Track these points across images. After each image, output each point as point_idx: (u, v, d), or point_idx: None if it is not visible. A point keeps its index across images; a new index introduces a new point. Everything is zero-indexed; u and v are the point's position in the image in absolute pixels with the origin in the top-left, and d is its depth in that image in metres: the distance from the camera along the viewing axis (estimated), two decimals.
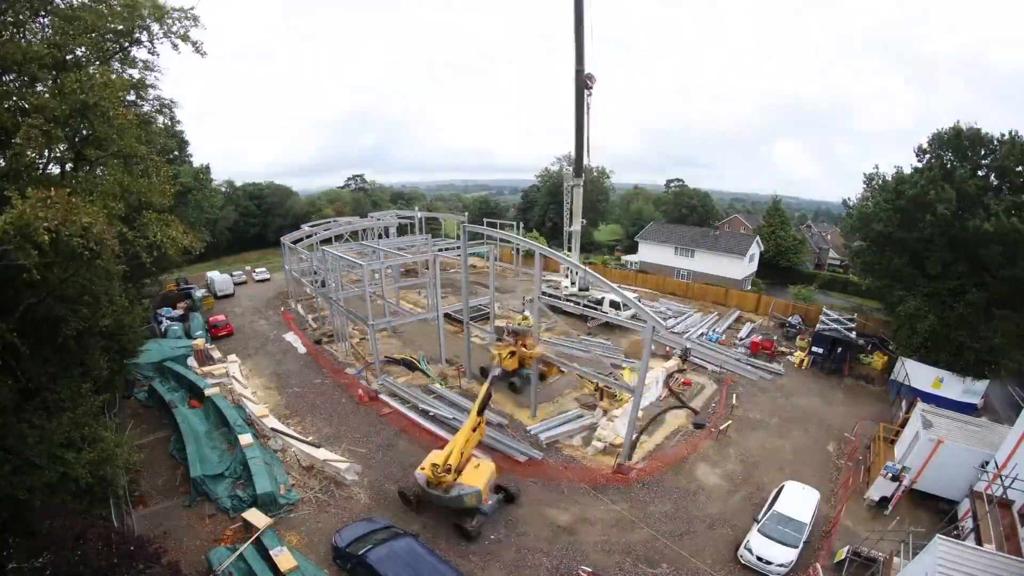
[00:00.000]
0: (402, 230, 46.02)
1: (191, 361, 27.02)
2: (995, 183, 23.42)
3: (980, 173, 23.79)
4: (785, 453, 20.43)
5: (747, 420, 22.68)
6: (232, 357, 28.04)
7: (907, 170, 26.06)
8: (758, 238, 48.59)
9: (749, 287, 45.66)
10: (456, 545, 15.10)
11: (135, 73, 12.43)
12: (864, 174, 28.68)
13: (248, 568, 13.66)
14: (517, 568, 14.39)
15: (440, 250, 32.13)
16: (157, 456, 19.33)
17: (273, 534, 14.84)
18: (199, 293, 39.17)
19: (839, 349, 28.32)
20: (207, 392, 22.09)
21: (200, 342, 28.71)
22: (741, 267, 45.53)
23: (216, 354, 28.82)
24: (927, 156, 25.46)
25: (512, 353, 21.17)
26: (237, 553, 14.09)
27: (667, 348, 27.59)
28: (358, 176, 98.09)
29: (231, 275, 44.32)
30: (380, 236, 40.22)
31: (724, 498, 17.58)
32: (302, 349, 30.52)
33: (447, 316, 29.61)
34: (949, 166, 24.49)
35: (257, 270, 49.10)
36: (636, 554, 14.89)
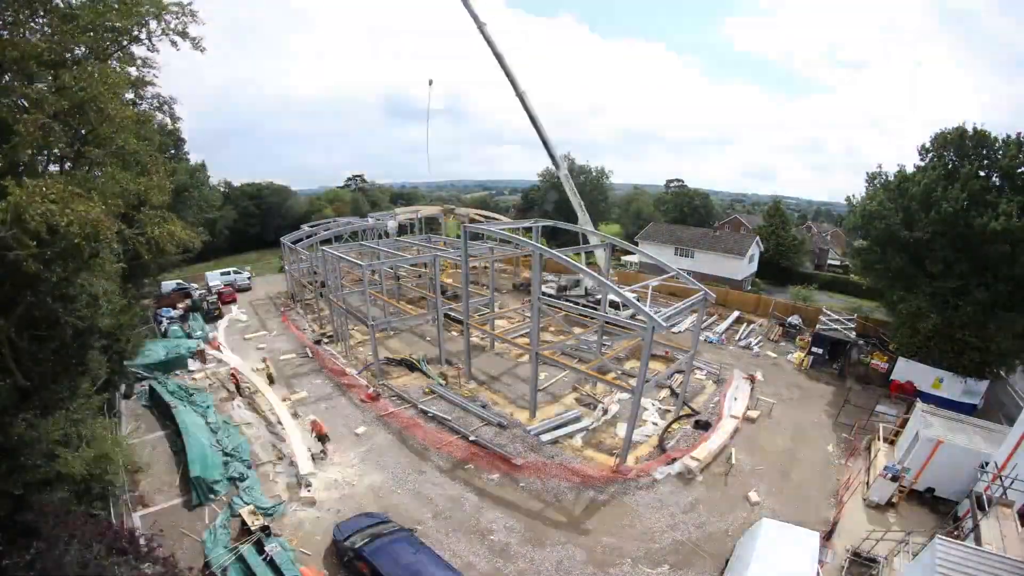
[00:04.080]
0: (402, 230, 46.00)
1: (193, 363, 27.08)
2: (997, 183, 23.39)
3: (982, 173, 23.76)
4: (784, 453, 20.40)
5: (746, 420, 22.62)
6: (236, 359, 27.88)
7: (909, 169, 26.05)
8: (758, 238, 48.58)
9: (749, 287, 45.66)
10: (451, 541, 15.10)
11: (133, 71, 12.41)
12: (867, 172, 28.72)
13: (248, 568, 13.67)
14: (516, 566, 14.36)
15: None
16: (157, 456, 19.30)
17: (270, 534, 14.84)
18: (198, 294, 39.21)
19: (841, 350, 28.37)
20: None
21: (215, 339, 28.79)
22: (741, 267, 45.53)
23: (218, 354, 28.82)
24: (930, 155, 25.44)
25: None
26: (236, 553, 14.11)
27: (666, 351, 27.55)
28: (358, 176, 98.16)
29: (238, 274, 46.39)
30: (380, 236, 40.23)
31: (723, 498, 17.54)
32: (302, 350, 30.49)
33: (447, 316, 29.60)
34: (951, 166, 24.45)
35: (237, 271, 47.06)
36: (636, 554, 14.86)
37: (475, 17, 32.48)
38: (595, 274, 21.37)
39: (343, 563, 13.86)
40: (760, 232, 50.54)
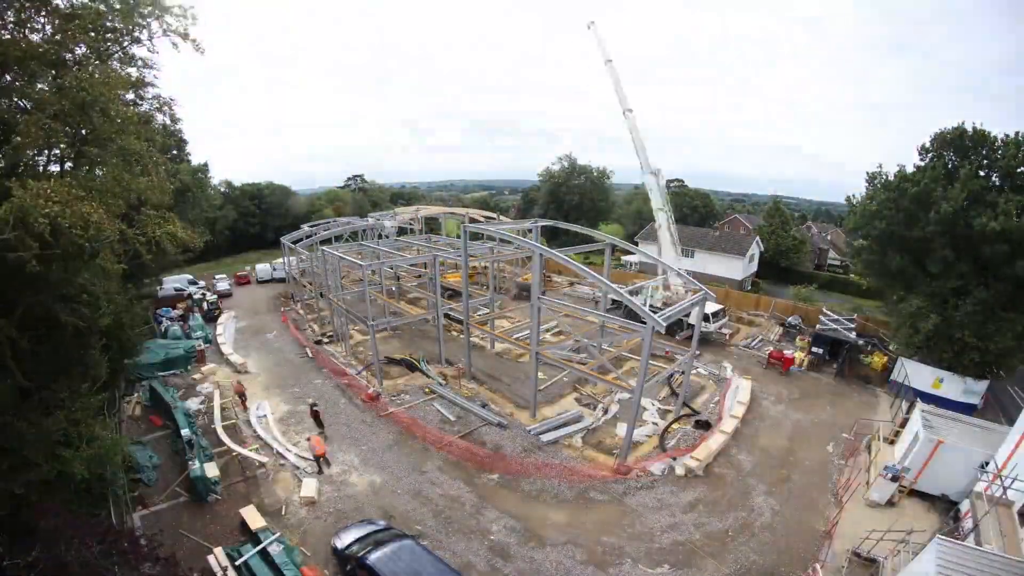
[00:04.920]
0: (402, 230, 45.96)
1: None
2: (997, 183, 23.39)
3: (982, 173, 23.77)
4: (784, 453, 20.40)
5: (746, 420, 22.63)
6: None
7: (909, 168, 26.04)
8: (758, 238, 48.59)
9: (749, 287, 45.69)
10: (451, 541, 15.10)
11: (133, 72, 12.41)
12: (867, 172, 28.69)
13: (248, 568, 13.68)
14: (515, 567, 14.36)
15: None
16: (157, 456, 19.29)
17: (271, 533, 14.85)
18: (199, 295, 39.20)
19: (841, 350, 28.39)
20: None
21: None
22: (741, 267, 45.54)
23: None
24: (929, 155, 25.44)
25: None
26: (237, 553, 14.12)
27: (666, 351, 27.58)
28: (358, 176, 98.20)
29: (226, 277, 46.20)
30: (380, 236, 40.20)
31: (723, 498, 17.54)
32: (302, 350, 30.51)
33: (447, 316, 29.60)
34: (951, 165, 24.46)
35: (218, 277, 46.08)
36: (636, 554, 14.87)
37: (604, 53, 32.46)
38: (598, 276, 21.36)
39: (345, 572, 13.60)
40: (760, 232, 50.57)
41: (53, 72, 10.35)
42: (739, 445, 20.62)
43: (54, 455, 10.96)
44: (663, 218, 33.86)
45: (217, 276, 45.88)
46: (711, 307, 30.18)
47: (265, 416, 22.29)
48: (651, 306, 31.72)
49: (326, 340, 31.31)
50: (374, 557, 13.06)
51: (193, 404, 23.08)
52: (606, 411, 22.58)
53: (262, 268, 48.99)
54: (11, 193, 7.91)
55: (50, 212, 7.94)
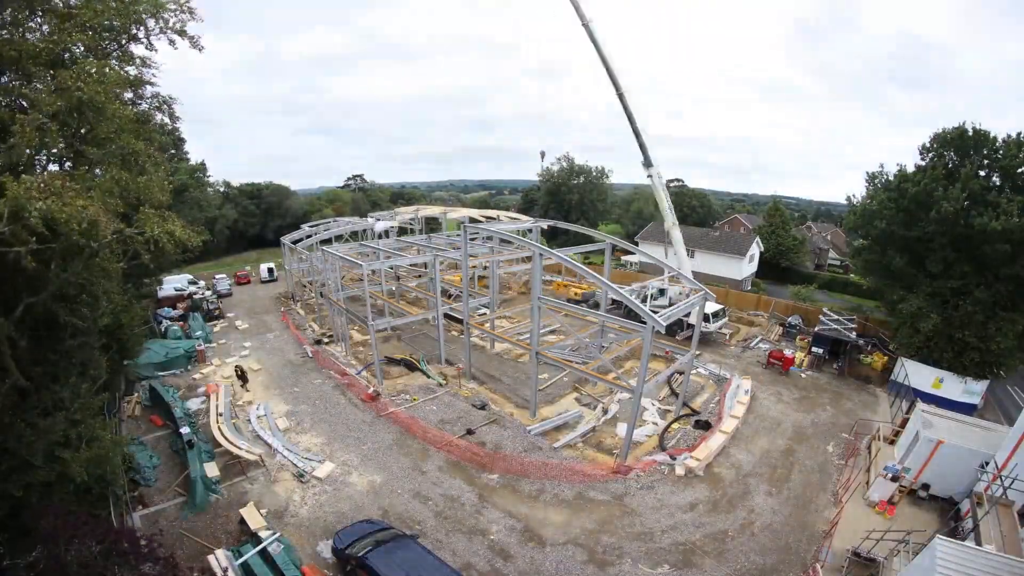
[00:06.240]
0: (402, 231, 45.97)
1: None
2: (997, 183, 23.42)
3: (982, 173, 23.79)
4: (784, 453, 20.40)
5: (746, 420, 22.62)
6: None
7: (909, 168, 26.08)
8: (758, 238, 48.59)
9: (749, 287, 45.69)
10: (451, 541, 15.09)
11: (132, 70, 12.37)
12: (867, 172, 28.74)
13: (248, 568, 13.66)
14: (515, 566, 14.35)
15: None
16: (157, 456, 19.26)
17: (271, 533, 14.83)
18: (199, 294, 39.18)
19: (841, 349, 28.40)
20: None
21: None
22: (741, 267, 45.54)
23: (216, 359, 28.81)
24: (930, 155, 25.47)
25: None
26: (237, 552, 14.11)
27: (666, 350, 27.57)
28: (358, 176, 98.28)
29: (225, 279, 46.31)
30: (380, 236, 40.18)
31: (723, 498, 17.53)
32: (302, 350, 30.50)
33: (448, 316, 29.59)
34: (951, 165, 24.48)
35: (218, 277, 45.97)
36: (636, 555, 14.86)
37: (581, 14, 30.33)
38: (598, 276, 21.35)
39: (345, 572, 13.63)
40: (760, 232, 50.58)
41: (51, 72, 10.32)
42: (739, 445, 20.61)
43: (53, 457, 10.94)
44: (673, 217, 33.87)
45: (217, 276, 45.86)
46: (711, 307, 30.15)
47: (265, 416, 22.27)
48: (670, 300, 31.16)
49: (326, 340, 31.30)
50: (374, 557, 13.09)
51: (193, 404, 23.10)
52: (606, 411, 22.56)
53: (263, 267, 49.88)
54: (4, 188, 7.86)
55: (43, 206, 7.88)
